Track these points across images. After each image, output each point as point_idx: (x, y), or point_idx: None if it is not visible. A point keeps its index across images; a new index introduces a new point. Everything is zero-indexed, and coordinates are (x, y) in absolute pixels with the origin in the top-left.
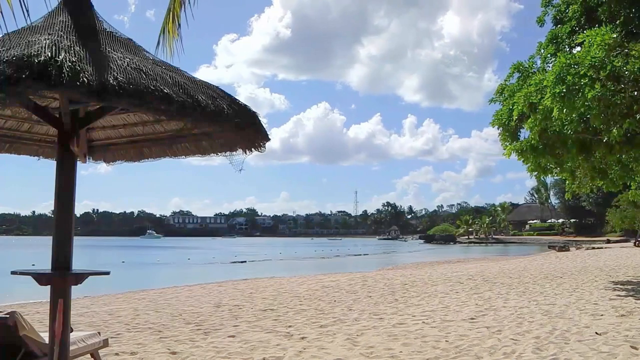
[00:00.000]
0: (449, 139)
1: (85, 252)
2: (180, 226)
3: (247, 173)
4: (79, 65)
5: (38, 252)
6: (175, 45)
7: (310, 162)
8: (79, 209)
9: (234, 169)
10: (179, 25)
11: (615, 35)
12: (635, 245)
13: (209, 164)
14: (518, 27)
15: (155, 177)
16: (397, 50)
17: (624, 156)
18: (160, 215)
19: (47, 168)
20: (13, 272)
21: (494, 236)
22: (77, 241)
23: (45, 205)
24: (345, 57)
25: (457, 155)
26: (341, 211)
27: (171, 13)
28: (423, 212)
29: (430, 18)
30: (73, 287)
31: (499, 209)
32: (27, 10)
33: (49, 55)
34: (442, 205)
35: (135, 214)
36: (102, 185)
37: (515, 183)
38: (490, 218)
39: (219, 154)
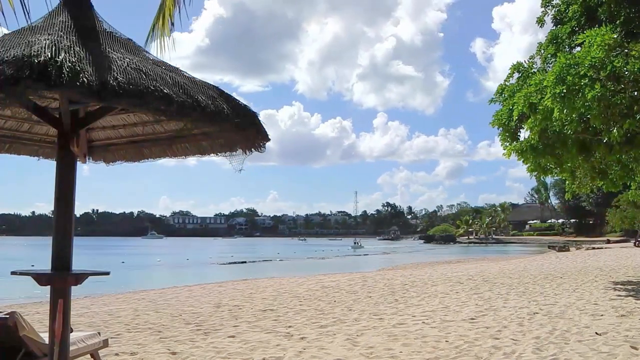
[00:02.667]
0: (413, 140)
1: (86, 253)
2: (180, 226)
3: (225, 174)
4: (79, 66)
5: (37, 252)
6: (165, 44)
7: (280, 164)
8: (79, 209)
9: (233, 169)
10: (172, 24)
11: (615, 36)
12: (635, 245)
13: (185, 164)
14: (466, 27)
15: (138, 178)
16: (343, 52)
17: (624, 156)
18: (160, 215)
19: (47, 168)
20: (13, 272)
21: (494, 236)
22: (77, 241)
23: (45, 205)
24: (289, 59)
25: (426, 157)
26: (341, 211)
27: (163, 12)
28: (423, 212)
29: (375, 20)
30: (73, 287)
31: (499, 209)
32: (28, 11)
33: (49, 55)
34: (441, 205)
35: (135, 214)
36: (95, 185)
37: (499, 182)
38: (490, 218)
39: (219, 154)
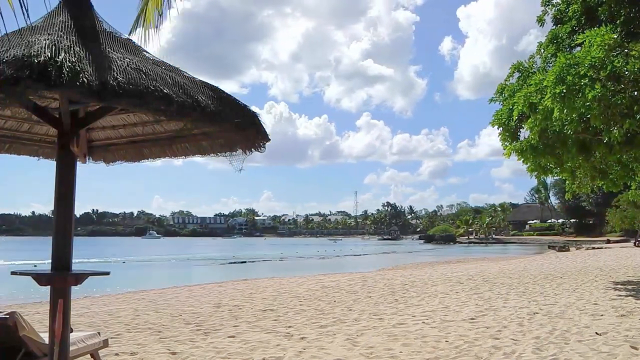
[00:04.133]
0: (394, 140)
1: (86, 253)
2: (180, 227)
3: (210, 175)
4: (78, 66)
5: (38, 253)
6: (150, 35)
7: (265, 165)
8: (79, 209)
9: (233, 169)
10: (160, 14)
11: (615, 36)
12: (635, 245)
13: (172, 164)
14: (435, 27)
15: (138, 178)
16: (317, 54)
17: (624, 156)
18: (160, 215)
19: (47, 168)
20: (13, 273)
21: (494, 236)
22: (77, 241)
23: (45, 205)
24: (261, 61)
25: (409, 158)
26: (341, 211)
27: (146, 5)
28: (423, 212)
29: (348, 21)
30: (73, 287)
31: (499, 209)
32: (27, 10)
33: (49, 55)
34: (441, 205)
35: (135, 214)
36: (95, 185)
37: (488, 181)
38: (490, 218)
39: (219, 154)
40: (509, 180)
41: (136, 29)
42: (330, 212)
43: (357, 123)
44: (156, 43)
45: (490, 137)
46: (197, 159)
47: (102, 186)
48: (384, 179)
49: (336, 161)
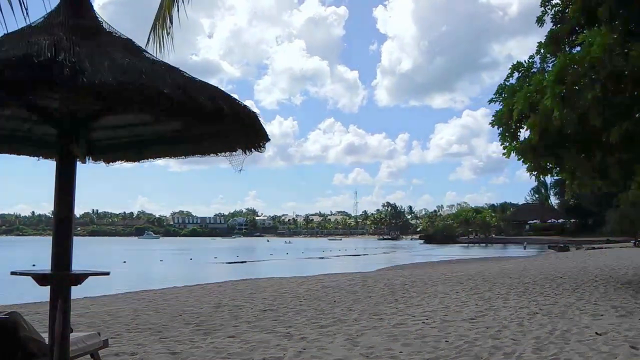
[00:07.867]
0: (342, 142)
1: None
2: (180, 227)
3: (181, 178)
4: (78, 66)
5: (38, 252)
6: (165, 42)
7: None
8: (79, 209)
9: (233, 169)
10: (171, 23)
11: (615, 36)
12: (635, 245)
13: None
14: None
15: (139, 178)
16: (249, 53)
17: (623, 156)
18: (160, 215)
19: (47, 168)
20: (13, 273)
21: (494, 236)
22: (77, 241)
23: (45, 205)
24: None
25: (371, 160)
26: (341, 211)
27: (163, 11)
28: (423, 212)
29: (280, 19)
30: (73, 287)
31: (499, 208)
32: (27, 9)
33: (49, 55)
34: (442, 205)
35: (135, 214)
36: (95, 185)
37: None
38: (490, 218)
39: (219, 154)
40: (471, 181)
41: (154, 38)
42: (330, 212)
43: (316, 127)
44: (171, 51)
45: (442, 139)
46: (159, 162)
47: (102, 186)
48: (350, 180)
49: (294, 163)
